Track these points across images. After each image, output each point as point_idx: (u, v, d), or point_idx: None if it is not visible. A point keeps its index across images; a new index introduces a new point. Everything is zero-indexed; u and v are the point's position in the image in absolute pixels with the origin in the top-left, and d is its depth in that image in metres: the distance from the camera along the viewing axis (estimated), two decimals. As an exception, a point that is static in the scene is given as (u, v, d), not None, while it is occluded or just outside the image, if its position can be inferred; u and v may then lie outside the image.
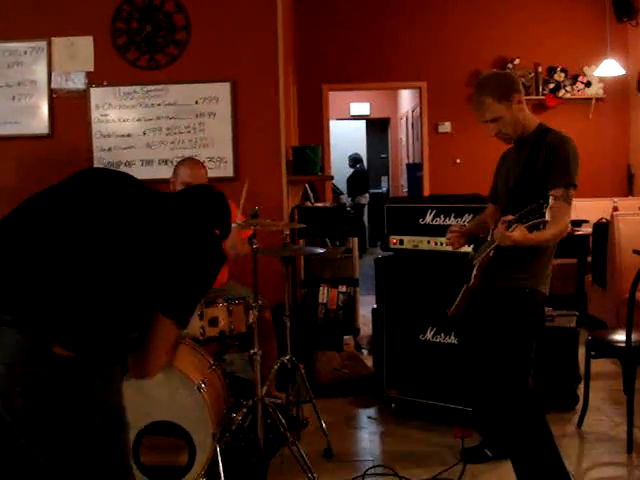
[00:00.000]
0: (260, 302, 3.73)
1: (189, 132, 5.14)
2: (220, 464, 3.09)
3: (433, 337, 4.09)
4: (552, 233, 2.83)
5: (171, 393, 3.15)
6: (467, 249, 3.34)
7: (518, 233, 2.68)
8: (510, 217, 2.74)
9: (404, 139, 11.79)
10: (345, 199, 12.39)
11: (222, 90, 5.08)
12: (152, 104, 5.13)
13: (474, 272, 3.11)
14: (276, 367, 3.91)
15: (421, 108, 8.63)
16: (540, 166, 2.93)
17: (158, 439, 3.13)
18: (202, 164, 4.31)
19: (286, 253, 3.82)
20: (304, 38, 8.10)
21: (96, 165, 5.17)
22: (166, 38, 5.09)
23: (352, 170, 12.70)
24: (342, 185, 12.53)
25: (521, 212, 2.69)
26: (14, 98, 5.13)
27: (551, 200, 2.62)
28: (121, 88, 5.12)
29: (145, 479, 3.12)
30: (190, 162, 4.27)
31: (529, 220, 2.65)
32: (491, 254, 2.99)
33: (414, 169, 9.71)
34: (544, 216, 2.60)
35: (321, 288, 5.34)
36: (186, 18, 5.09)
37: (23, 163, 5.21)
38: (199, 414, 3.12)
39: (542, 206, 2.60)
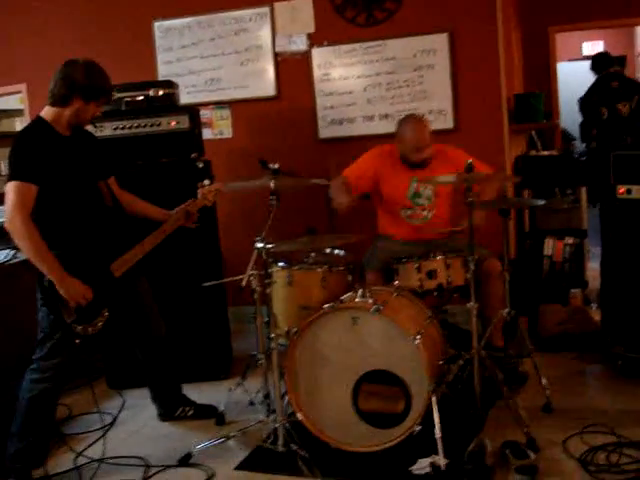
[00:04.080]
0: (481, 254, 3.72)
1: (408, 86, 5.18)
2: (436, 413, 3.16)
3: (664, 292, 3.86)
4: None
5: (389, 343, 3.24)
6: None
7: None
8: None
9: (643, 78, 10.96)
10: (579, 145, 11.79)
11: (440, 42, 5.05)
12: (371, 60, 5.22)
13: None
14: (498, 318, 3.88)
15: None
16: None
17: (376, 387, 3.26)
18: (424, 120, 4.25)
19: (502, 205, 3.76)
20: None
21: (320, 123, 5.37)
22: (383, -7, 5.13)
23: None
24: (575, 130, 11.90)
25: None
26: (242, 63, 5.46)
27: None
28: (341, 47, 5.27)
29: (363, 424, 3.27)
30: (415, 124, 4.17)
31: None
32: None
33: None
34: None
35: (546, 240, 5.19)
36: (402, -29, 5.09)
37: (254, 124, 5.55)
38: (415, 364, 3.19)
39: None
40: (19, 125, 6.32)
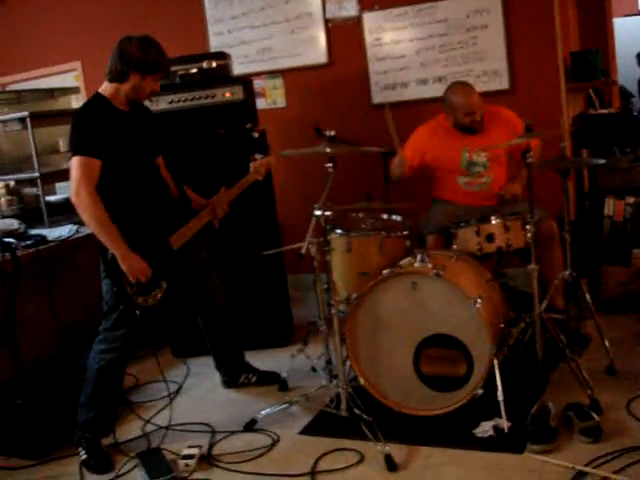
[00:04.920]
0: (538, 215, 3.67)
1: (461, 47, 5.09)
2: (498, 376, 3.15)
3: None
4: None
5: (449, 307, 3.24)
6: None
7: None
8: None
9: None
10: (637, 102, 11.48)
11: (493, 1, 4.94)
12: (423, 23, 5.15)
13: None
14: (557, 280, 3.83)
15: None
16: None
17: (438, 350, 3.26)
18: (471, 85, 4.19)
19: (561, 165, 3.69)
20: None
21: (373, 89, 5.34)
22: (434, -47, 5.04)
23: (643, 70, 11.67)
24: (634, 87, 11.58)
25: None
26: (293, 32, 5.45)
27: None
28: (392, 10, 5.20)
29: (425, 388, 3.29)
30: (463, 91, 4.11)
31: None
32: None
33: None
34: None
35: (606, 200, 5.09)
36: None
37: (307, 92, 5.54)
38: (476, 327, 3.18)
39: None
40: (75, 102, 6.41)
